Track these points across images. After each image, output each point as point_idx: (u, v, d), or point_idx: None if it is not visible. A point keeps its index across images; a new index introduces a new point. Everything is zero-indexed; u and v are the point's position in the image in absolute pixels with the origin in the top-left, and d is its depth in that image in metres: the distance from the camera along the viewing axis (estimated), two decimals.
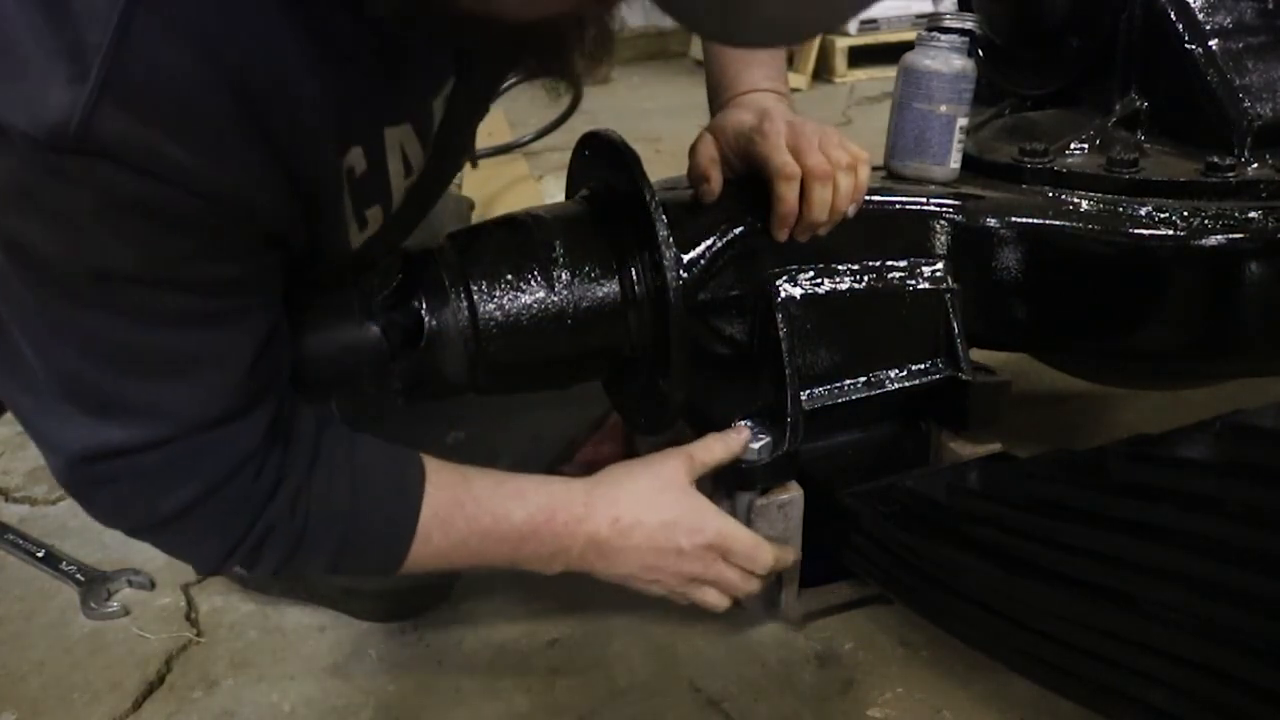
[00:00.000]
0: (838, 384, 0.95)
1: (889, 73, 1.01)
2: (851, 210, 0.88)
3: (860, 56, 3.65)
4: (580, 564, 0.82)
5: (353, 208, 0.70)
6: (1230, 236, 0.90)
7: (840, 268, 0.94)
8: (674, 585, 0.84)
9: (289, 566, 0.74)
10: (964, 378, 0.95)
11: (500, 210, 0.91)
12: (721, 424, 0.90)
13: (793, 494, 0.90)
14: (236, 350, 0.65)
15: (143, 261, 0.58)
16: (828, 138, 0.86)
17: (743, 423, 0.89)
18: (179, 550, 0.75)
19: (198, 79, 0.52)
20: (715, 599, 0.86)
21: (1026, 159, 1.00)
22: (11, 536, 1.17)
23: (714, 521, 0.83)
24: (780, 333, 0.90)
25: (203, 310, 0.62)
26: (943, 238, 0.96)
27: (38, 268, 0.57)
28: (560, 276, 0.83)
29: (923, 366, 0.97)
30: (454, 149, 0.85)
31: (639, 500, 0.82)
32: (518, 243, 0.85)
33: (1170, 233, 0.91)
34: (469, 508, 0.77)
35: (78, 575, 1.10)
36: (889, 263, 0.95)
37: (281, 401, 0.71)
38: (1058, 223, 0.95)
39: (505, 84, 0.86)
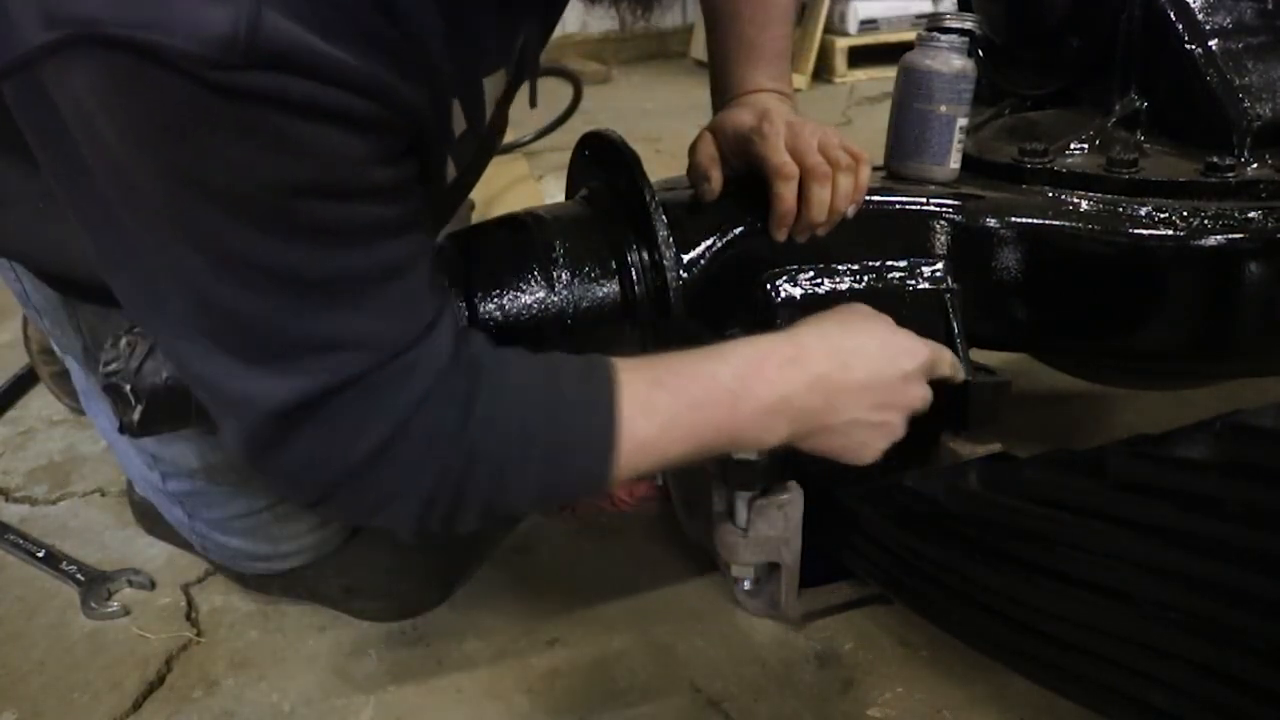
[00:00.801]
0: None
1: (889, 73, 1.01)
2: (851, 211, 0.88)
3: (860, 56, 3.66)
4: (805, 420, 0.73)
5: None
6: (1230, 236, 0.90)
7: (840, 268, 0.94)
8: (898, 424, 0.77)
9: (496, 504, 0.66)
10: (964, 378, 0.95)
11: (500, 210, 0.91)
12: None
13: (793, 494, 0.90)
14: (421, 257, 0.63)
15: (326, 170, 0.55)
16: (827, 138, 0.86)
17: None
18: (379, 506, 0.65)
19: None
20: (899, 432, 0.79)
21: (1026, 159, 1.00)
22: (11, 536, 1.17)
23: (919, 339, 0.79)
24: None
25: (386, 219, 0.59)
26: (943, 238, 0.96)
27: (216, 200, 0.53)
28: (560, 276, 0.83)
29: None
30: (490, 136, 0.85)
31: (848, 329, 0.76)
32: (518, 243, 0.85)
33: (1170, 233, 0.91)
34: (669, 382, 0.69)
35: (78, 575, 1.10)
36: (889, 263, 0.95)
37: (455, 314, 0.68)
38: (1058, 223, 0.95)
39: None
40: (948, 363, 0.82)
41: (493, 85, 0.77)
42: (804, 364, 0.72)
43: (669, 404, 0.68)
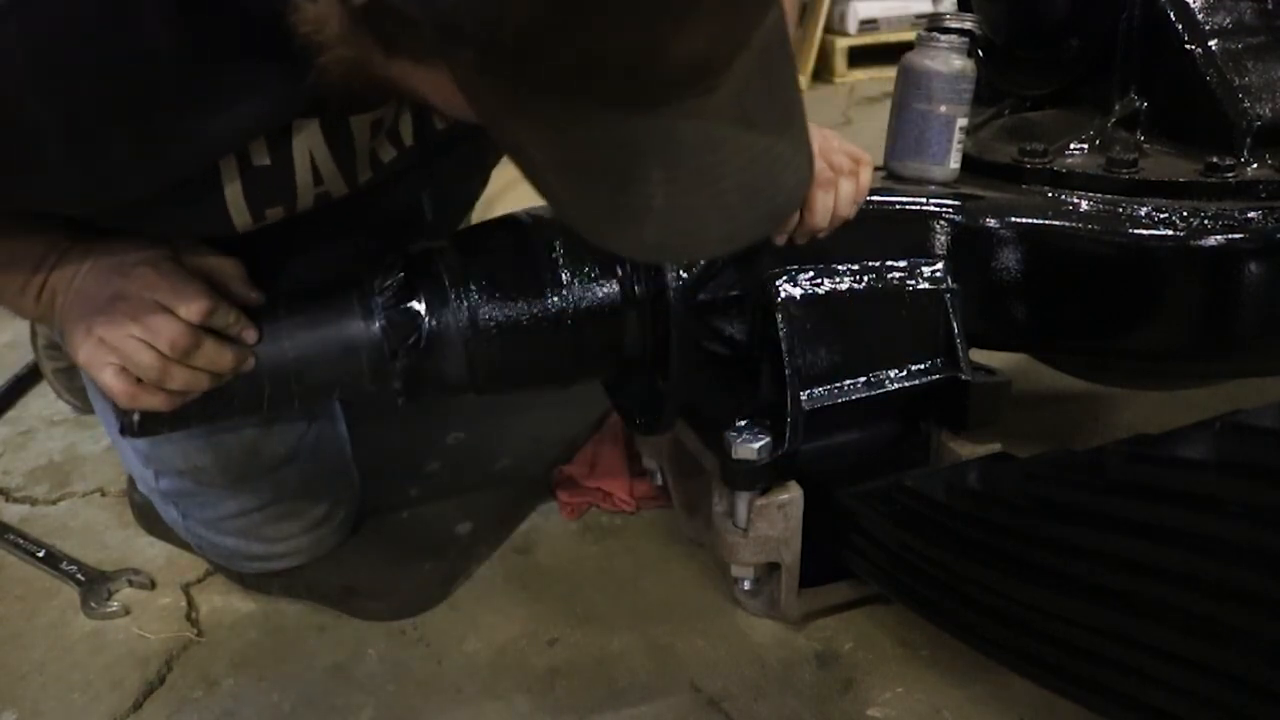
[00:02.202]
0: (837, 384, 0.95)
1: (889, 73, 1.01)
2: (852, 213, 0.88)
3: (860, 57, 3.66)
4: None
5: (245, 199, 0.72)
6: (1230, 237, 0.90)
7: (840, 268, 0.94)
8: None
9: None
10: (964, 378, 0.95)
11: (500, 210, 0.91)
12: (722, 424, 0.90)
13: (793, 494, 0.90)
14: None
15: None
16: (828, 142, 0.85)
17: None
18: None
19: None
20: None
21: (1026, 159, 1.00)
22: (12, 536, 1.17)
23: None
24: (780, 333, 0.90)
25: None
26: (943, 238, 0.96)
27: None
28: (560, 277, 0.83)
29: (922, 367, 0.96)
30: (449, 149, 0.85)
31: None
32: (518, 243, 0.85)
33: (1170, 233, 0.91)
34: None
35: (78, 575, 1.10)
36: (889, 263, 0.95)
37: None
38: (1057, 223, 0.95)
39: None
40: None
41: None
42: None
43: None
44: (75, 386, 1.42)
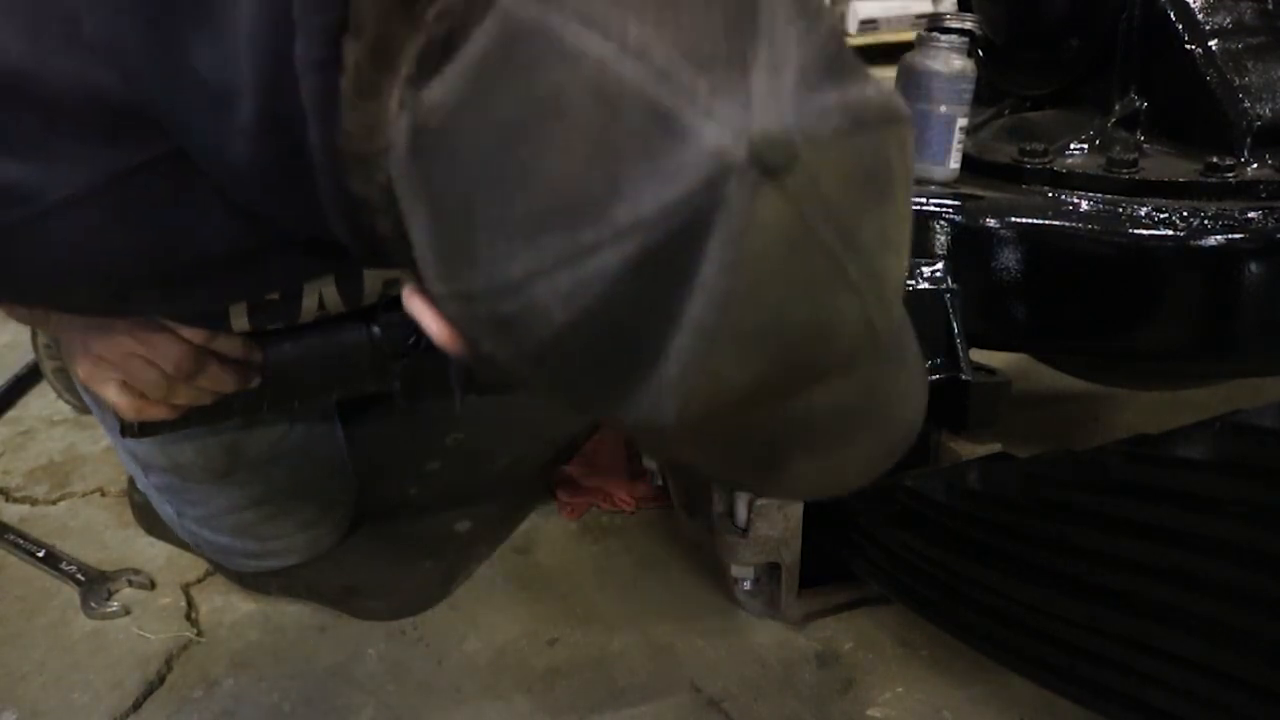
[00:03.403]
0: None
1: (889, 73, 1.01)
2: None
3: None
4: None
5: (248, 314, 0.75)
6: (1230, 237, 0.90)
7: None
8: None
9: None
10: (964, 378, 0.95)
11: None
12: None
13: None
14: None
15: None
16: None
17: None
18: None
19: None
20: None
21: (1026, 159, 1.00)
22: (11, 536, 1.17)
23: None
24: None
25: None
26: (943, 238, 0.96)
27: None
28: None
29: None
30: None
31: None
32: None
33: (1170, 233, 0.91)
34: None
35: (78, 575, 1.10)
36: None
37: None
38: (1058, 223, 0.95)
39: None
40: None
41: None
42: None
43: None
44: (75, 386, 1.42)
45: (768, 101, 0.36)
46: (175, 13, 0.50)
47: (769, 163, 0.36)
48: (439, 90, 0.39)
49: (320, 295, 0.78)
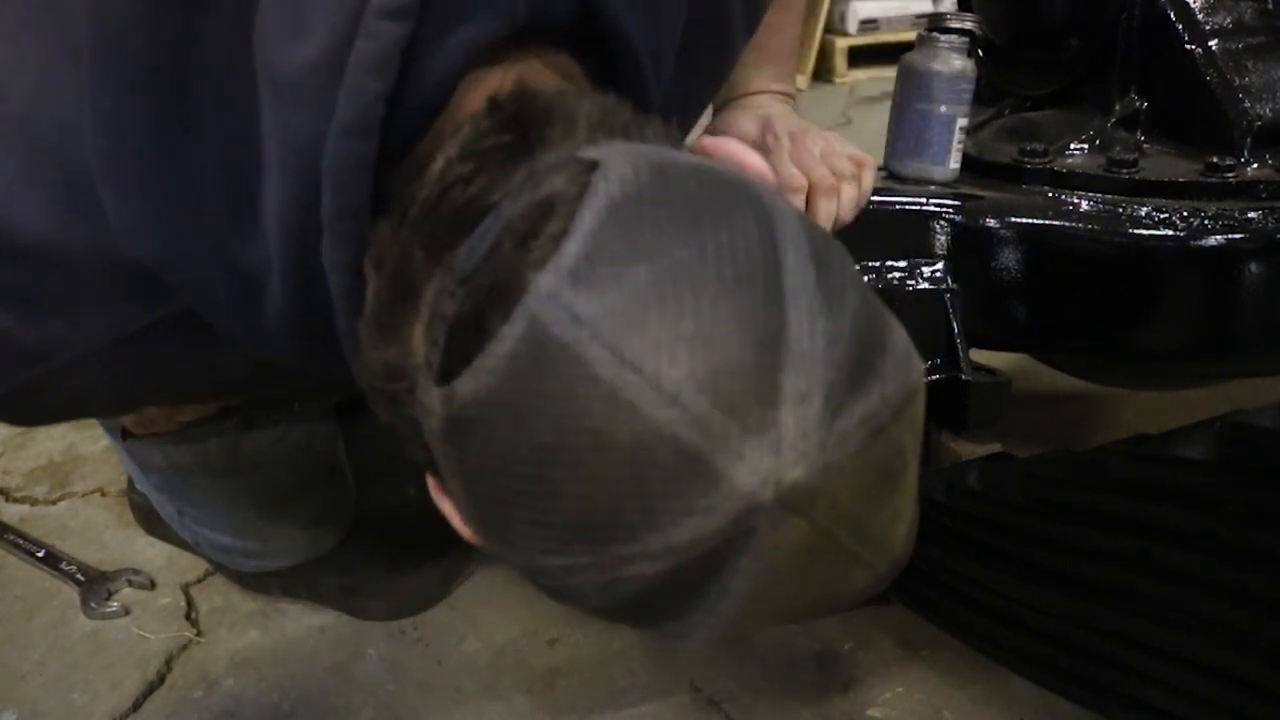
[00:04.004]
0: None
1: (889, 73, 1.01)
2: (853, 216, 0.88)
3: (860, 56, 3.65)
4: None
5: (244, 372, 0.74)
6: (1230, 237, 0.90)
7: None
8: None
9: None
10: (964, 378, 0.95)
11: None
12: None
13: None
14: None
15: None
16: (830, 147, 0.85)
17: None
18: None
19: None
20: None
21: (1026, 159, 1.00)
22: (11, 536, 1.17)
23: None
24: None
25: None
26: (943, 238, 0.96)
27: None
28: None
29: (922, 366, 0.96)
30: None
31: None
32: None
33: (1170, 233, 0.91)
34: None
35: (78, 575, 1.10)
36: (889, 263, 0.95)
37: None
38: (1058, 223, 0.95)
39: None
40: None
41: None
42: None
43: None
44: None
45: (797, 444, 0.38)
46: (202, 203, 0.50)
47: (795, 504, 0.39)
48: (470, 386, 0.40)
49: None
